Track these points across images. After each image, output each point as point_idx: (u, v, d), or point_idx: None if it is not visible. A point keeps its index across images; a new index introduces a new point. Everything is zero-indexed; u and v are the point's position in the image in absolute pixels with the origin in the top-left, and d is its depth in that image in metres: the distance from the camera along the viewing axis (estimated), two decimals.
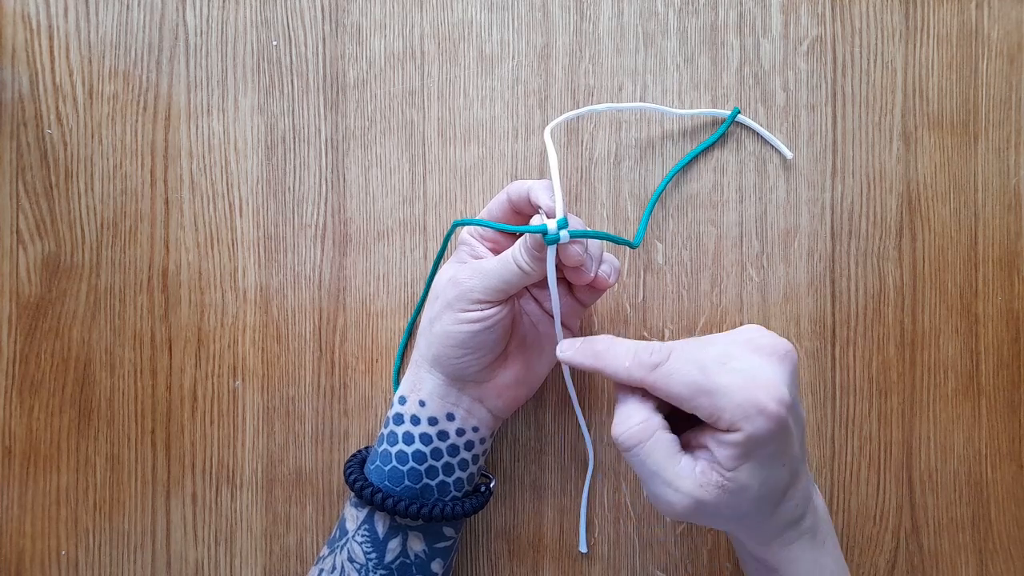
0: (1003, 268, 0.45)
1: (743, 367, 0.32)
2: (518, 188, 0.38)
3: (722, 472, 0.32)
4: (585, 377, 0.46)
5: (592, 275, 0.37)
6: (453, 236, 0.45)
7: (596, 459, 0.45)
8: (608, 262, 0.39)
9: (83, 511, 0.46)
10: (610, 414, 0.45)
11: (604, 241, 0.38)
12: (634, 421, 0.33)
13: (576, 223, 0.36)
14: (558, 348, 0.37)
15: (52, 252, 0.46)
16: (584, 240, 0.36)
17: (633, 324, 0.45)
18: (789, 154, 0.45)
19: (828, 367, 0.45)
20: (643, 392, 0.34)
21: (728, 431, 0.32)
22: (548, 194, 0.36)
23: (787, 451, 0.33)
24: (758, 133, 0.45)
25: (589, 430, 0.45)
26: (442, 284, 0.39)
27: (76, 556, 0.46)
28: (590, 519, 0.45)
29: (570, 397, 0.43)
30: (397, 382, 0.45)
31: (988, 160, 0.46)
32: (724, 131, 0.45)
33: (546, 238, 0.35)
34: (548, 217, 0.36)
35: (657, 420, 0.34)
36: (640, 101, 0.45)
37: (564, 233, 0.35)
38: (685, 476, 0.32)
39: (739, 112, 0.45)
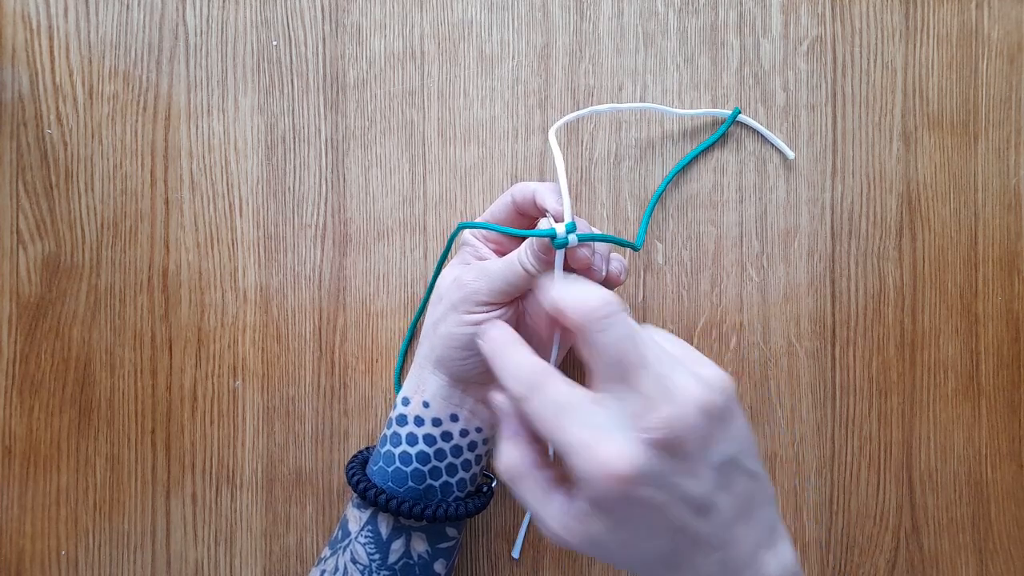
0: (1003, 268, 0.45)
1: (615, 413, 0.29)
2: (523, 190, 0.38)
3: (577, 521, 0.29)
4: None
5: (604, 274, 0.37)
6: (456, 237, 0.45)
7: None
8: (616, 260, 0.39)
9: (83, 511, 0.46)
10: None
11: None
12: (507, 457, 0.32)
13: (583, 226, 0.36)
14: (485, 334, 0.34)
15: (52, 252, 0.46)
16: (592, 244, 0.36)
17: None
18: (791, 154, 0.45)
19: (828, 367, 0.45)
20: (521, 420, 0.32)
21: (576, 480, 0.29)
22: (555, 197, 0.36)
23: (647, 520, 0.29)
24: (759, 133, 0.45)
25: None
26: (446, 285, 0.39)
27: (76, 556, 0.46)
28: None
29: None
30: (399, 383, 0.45)
31: (988, 160, 0.46)
32: (724, 131, 0.45)
33: (555, 242, 0.35)
34: (556, 221, 0.36)
35: (530, 458, 0.31)
36: (640, 101, 0.45)
37: (572, 237, 0.35)
38: (554, 516, 0.30)
39: (740, 112, 0.45)
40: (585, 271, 0.37)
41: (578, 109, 0.45)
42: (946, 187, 0.45)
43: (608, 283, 0.39)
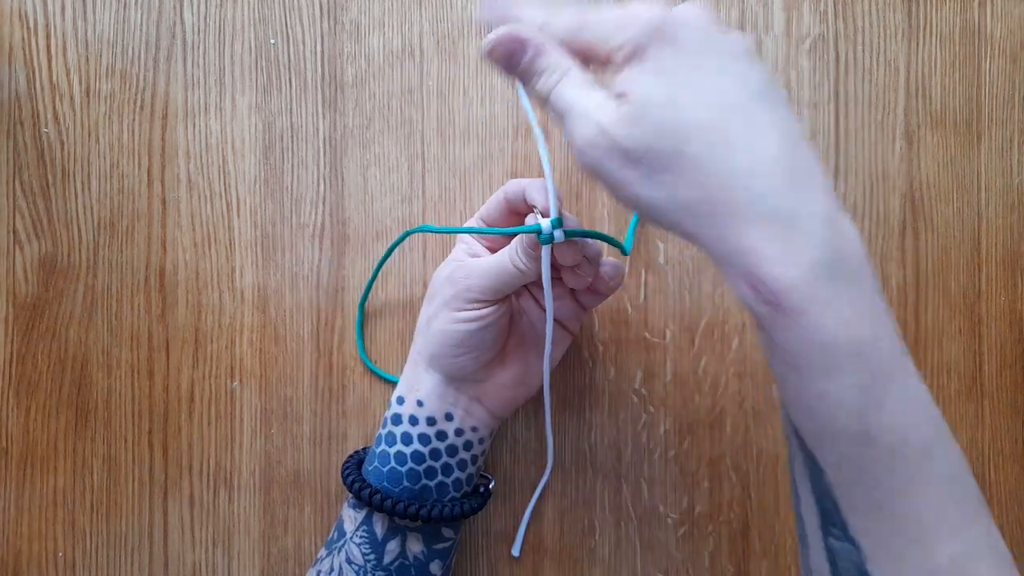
0: (1006, 268, 0.45)
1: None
2: (514, 187, 0.38)
3: (617, 98, 0.28)
4: (583, 377, 0.45)
5: (588, 279, 0.37)
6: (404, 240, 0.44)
7: (597, 463, 0.45)
8: (610, 264, 0.38)
9: (80, 512, 0.45)
10: (610, 414, 0.45)
11: (604, 244, 0.38)
12: (551, 58, 0.30)
13: (572, 222, 0.36)
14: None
15: (49, 252, 0.45)
16: (581, 240, 0.36)
17: (634, 324, 0.45)
18: None
19: None
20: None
21: (612, 59, 0.28)
22: (543, 193, 0.36)
23: (691, 73, 0.27)
24: None
25: (590, 432, 0.44)
26: (439, 282, 0.38)
27: (73, 558, 0.45)
28: (590, 521, 0.45)
29: (543, 399, 0.42)
30: (364, 350, 0.45)
31: (991, 159, 0.45)
32: None
33: (540, 237, 0.34)
34: (543, 216, 0.35)
35: (569, 61, 0.30)
36: None
37: (558, 233, 0.34)
38: (593, 102, 0.28)
39: None
40: (573, 273, 0.36)
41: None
42: (949, 186, 0.45)
43: (599, 286, 0.38)
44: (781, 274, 0.25)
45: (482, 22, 0.32)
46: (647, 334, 0.45)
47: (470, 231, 0.38)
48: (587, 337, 0.45)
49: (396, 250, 0.45)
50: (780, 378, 0.28)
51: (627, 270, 0.45)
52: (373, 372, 0.45)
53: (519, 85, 0.31)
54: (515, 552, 0.45)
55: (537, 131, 0.37)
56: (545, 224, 0.34)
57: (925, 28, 0.45)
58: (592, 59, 0.30)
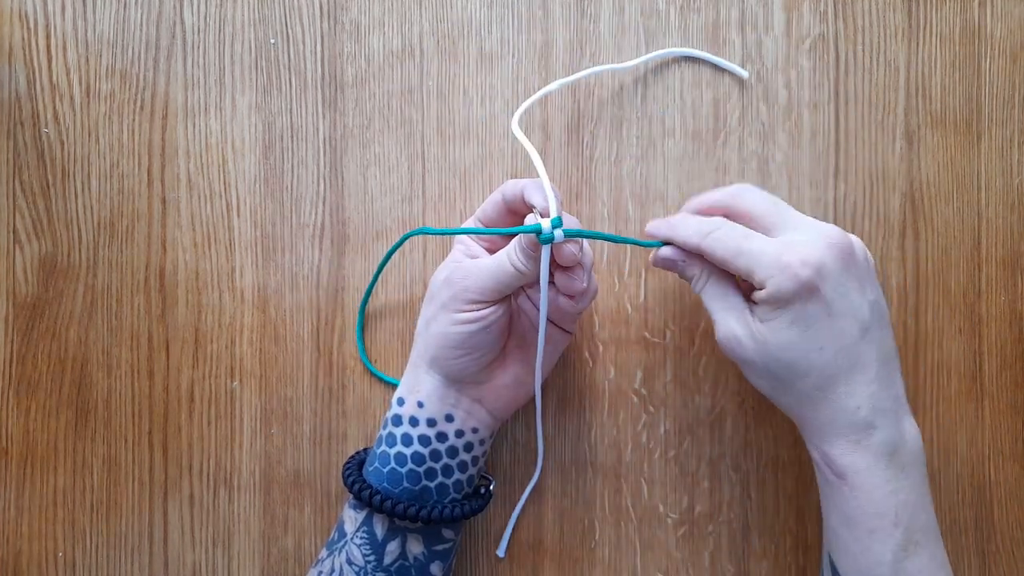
0: (1006, 268, 0.45)
1: (786, 239, 0.35)
2: (512, 187, 0.38)
3: (754, 320, 0.35)
4: (583, 377, 0.45)
5: (584, 284, 0.37)
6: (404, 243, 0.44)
7: (597, 463, 0.45)
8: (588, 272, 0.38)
9: (80, 512, 0.45)
10: (610, 414, 0.45)
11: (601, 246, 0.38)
12: (693, 268, 0.38)
13: (571, 222, 0.36)
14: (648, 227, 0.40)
15: (49, 252, 0.45)
16: (580, 240, 0.36)
17: (635, 324, 0.45)
18: (744, 73, 0.44)
19: None
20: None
21: (760, 288, 0.34)
22: (542, 193, 0.36)
23: (821, 323, 0.34)
24: (715, 63, 0.44)
25: (590, 432, 0.44)
26: (437, 284, 0.38)
27: (73, 558, 0.45)
28: (591, 521, 0.45)
29: (535, 403, 0.42)
30: (364, 350, 0.45)
31: (991, 159, 0.45)
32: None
33: (540, 237, 0.34)
34: (542, 216, 0.35)
35: (710, 267, 0.37)
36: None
37: (558, 232, 0.34)
38: (731, 308, 0.36)
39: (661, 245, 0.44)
40: (570, 278, 0.36)
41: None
42: (949, 186, 0.45)
43: (575, 302, 0.38)
44: (850, 461, 0.34)
45: (651, 234, 0.39)
46: (647, 334, 0.45)
47: (470, 232, 0.38)
48: (587, 337, 0.45)
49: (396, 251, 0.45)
50: (832, 530, 0.35)
51: (627, 269, 0.45)
52: (378, 377, 0.45)
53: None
54: (500, 553, 0.45)
55: (515, 128, 0.37)
56: (545, 224, 0.34)
57: (925, 28, 0.45)
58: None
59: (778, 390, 0.36)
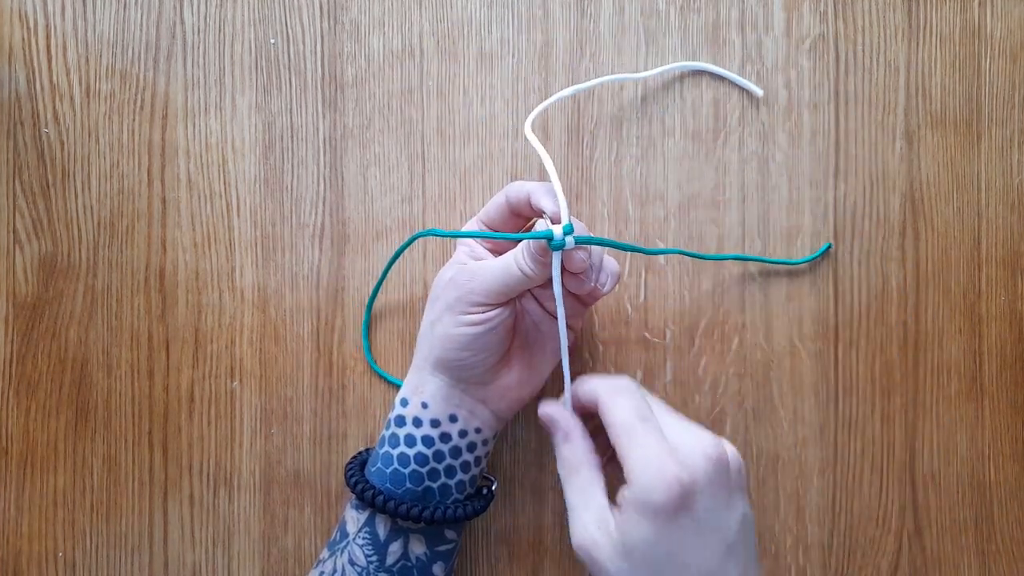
0: (1007, 268, 0.45)
1: (674, 437, 0.33)
2: (517, 190, 0.38)
3: (616, 529, 0.32)
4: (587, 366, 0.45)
5: (592, 284, 0.37)
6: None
7: None
8: (606, 269, 0.38)
9: (80, 513, 0.45)
10: None
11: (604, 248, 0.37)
12: (566, 451, 0.36)
13: (580, 228, 0.36)
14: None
15: (49, 252, 0.45)
16: (588, 246, 0.36)
17: (635, 325, 0.45)
18: (759, 91, 0.44)
19: (831, 368, 0.45)
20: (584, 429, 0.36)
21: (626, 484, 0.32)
22: (550, 198, 0.36)
23: (688, 540, 0.32)
24: (732, 80, 0.44)
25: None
26: (442, 285, 0.38)
27: (73, 558, 0.45)
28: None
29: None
30: (371, 356, 0.45)
31: (991, 159, 0.45)
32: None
33: (551, 243, 0.34)
34: (553, 222, 0.35)
35: (590, 458, 0.35)
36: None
37: (570, 239, 0.34)
38: (592, 509, 0.33)
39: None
40: (577, 278, 0.36)
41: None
42: (949, 186, 0.45)
43: (592, 295, 0.38)
44: None
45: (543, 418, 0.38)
46: (647, 334, 0.45)
47: (480, 236, 0.38)
48: (587, 337, 0.45)
49: (395, 249, 0.45)
50: None
51: (627, 269, 0.45)
52: (382, 377, 0.45)
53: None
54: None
55: (528, 132, 0.37)
56: (557, 231, 0.34)
57: (925, 28, 0.45)
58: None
59: None
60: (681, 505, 0.31)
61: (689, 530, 0.32)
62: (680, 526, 0.32)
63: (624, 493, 0.32)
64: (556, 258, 0.35)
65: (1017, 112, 0.45)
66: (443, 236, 0.37)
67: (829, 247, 0.45)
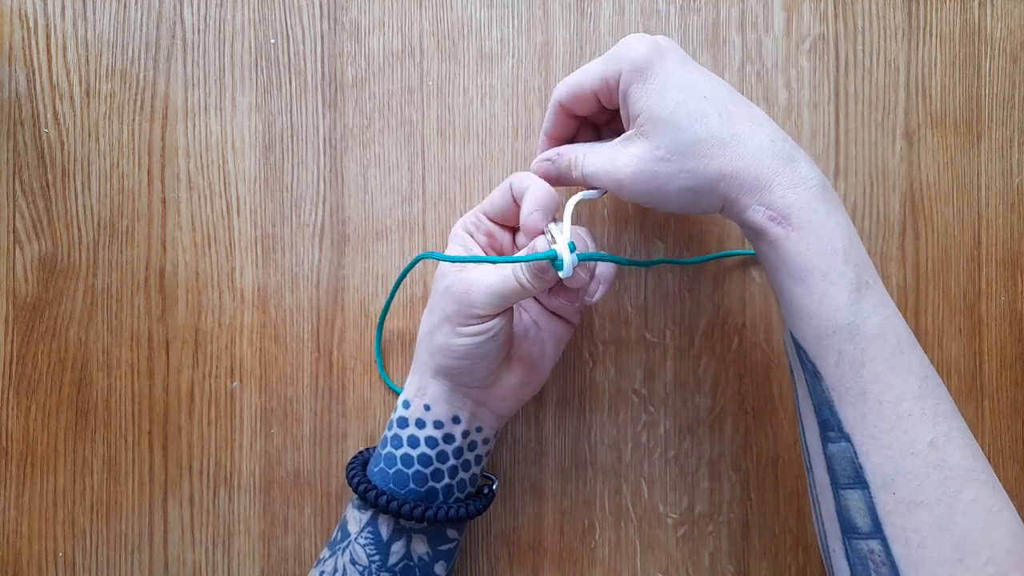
0: (1006, 268, 0.45)
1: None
2: (521, 181, 0.37)
3: (622, 139, 0.36)
4: (583, 377, 0.45)
5: (592, 300, 0.37)
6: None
7: (597, 463, 0.45)
8: (598, 277, 0.38)
9: (80, 513, 0.45)
10: (610, 414, 0.45)
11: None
12: (566, 157, 0.38)
13: (579, 238, 0.36)
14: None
15: (49, 252, 0.45)
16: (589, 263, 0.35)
17: (635, 324, 0.45)
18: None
19: None
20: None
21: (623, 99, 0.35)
22: (541, 214, 0.35)
23: (691, 75, 0.35)
24: None
25: (590, 432, 0.45)
26: (438, 293, 0.38)
27: (73, 558, 0.45)
28: (590, 521, 0.45)
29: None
30: (385, 372, 0.45)
31: (991, 159, 0.45)
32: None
33: (555, 264, 0.33)
34: (533, 233, 0.35)
35: (578, 148, 0.38)
36: None
37: (573, 257, 0.34)
38: (608, 152, 0.36)
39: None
40: (574, 291, 0.36)
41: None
42: (949, 186, 0.45)
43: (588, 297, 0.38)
44: (792, 200, 0.33)
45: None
46: (647, 334, 0.45)
47: (484, 260, 0.36)
48: (587, 337, 0.45)
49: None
50: (787, 297, 0.33)
51: (627, 269, 0.45)
52: (391, 389, 0.45)
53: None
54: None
55: (569, 207, 0.36)
56: (567, 260, 0.33)
57: (925, 28, 0.45)
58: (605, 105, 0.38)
59: (688, 157, 0.34)
60: (656, 53, 0.34)
61: (681, 70, 0.34)
62: (671, 70, 0.34)
63: (612, 140, 0.36)
64: (571, 264, 0.34)
65: (1017, 112, 0.45)
66: (446, 260, 0.36)
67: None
